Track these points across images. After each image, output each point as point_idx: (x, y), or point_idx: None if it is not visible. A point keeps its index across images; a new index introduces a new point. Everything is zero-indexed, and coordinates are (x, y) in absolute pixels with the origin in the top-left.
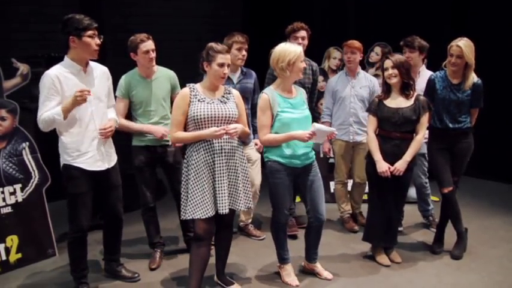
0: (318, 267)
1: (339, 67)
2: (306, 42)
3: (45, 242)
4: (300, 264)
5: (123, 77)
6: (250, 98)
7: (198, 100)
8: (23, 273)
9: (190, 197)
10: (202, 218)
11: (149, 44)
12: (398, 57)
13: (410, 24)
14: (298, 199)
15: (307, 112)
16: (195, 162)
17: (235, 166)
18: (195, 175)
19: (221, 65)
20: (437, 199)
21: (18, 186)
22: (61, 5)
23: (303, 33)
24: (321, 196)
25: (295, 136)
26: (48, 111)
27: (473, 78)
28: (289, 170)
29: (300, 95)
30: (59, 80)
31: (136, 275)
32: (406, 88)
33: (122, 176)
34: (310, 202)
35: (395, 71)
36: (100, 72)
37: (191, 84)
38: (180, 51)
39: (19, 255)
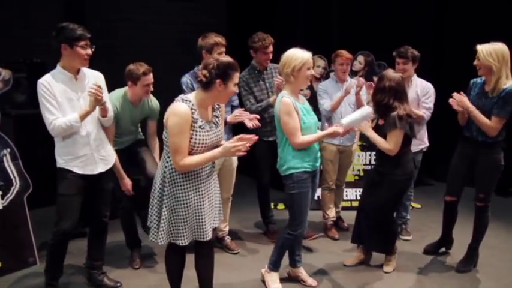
0: (303, 273)
1: (322, 75)
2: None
3: (26, 251)
4: (284, 272)
5: (113, 97)
6: (229, 99)
7: (199, 127)
8: (3, 283)
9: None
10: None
11: (151, 78)
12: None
13: (393, 34)
14: (281, 206)
15: (316, 118)
16: (177, 185)
17: (211, 184)
18: (175, 199)
19: (235, 85)
20: (418, 206)
21: None
22: (45, 10)
23: (271, 47)
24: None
25: (330, 132)
26: (58, 117)
27: (504, 84)
28: (311, 176)
29: (306, 102)
30: (50, 86)
31: (118, 284)
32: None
33: None
34: None
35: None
36: (93, 78)
37: (189, 101)
38: (163, 57)
39: None
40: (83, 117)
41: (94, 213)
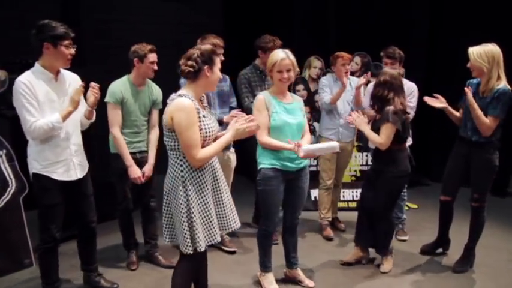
0: (300, 274)
1: (319, 76)
2: None
3: (22, 252)
4: (281, 273)
5: (115, 83)
6: (227, 101)
7: (203, 116)
8: None
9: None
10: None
11: (156, 56)
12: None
13: (390, 34)
14: None
15: (301, 119)
16: (200, 184)
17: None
18: (201, 199)
19: (219, 69)
20: (415, 206)
21: None
22: (40, 10)
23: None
24: (303, 201)
25: (290, 148)
26: (38, 119)
27: (497, 85)
28: (283, 176)
29: (297, 102)
30: (31, 85)
31: (115, 285)
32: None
33: (100, 184)
34: (291, 205)
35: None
36: (72, 80)
37: (187, 95)
38: (159, 58)
39: None
40: (65, 118)
41: (81, 220)
